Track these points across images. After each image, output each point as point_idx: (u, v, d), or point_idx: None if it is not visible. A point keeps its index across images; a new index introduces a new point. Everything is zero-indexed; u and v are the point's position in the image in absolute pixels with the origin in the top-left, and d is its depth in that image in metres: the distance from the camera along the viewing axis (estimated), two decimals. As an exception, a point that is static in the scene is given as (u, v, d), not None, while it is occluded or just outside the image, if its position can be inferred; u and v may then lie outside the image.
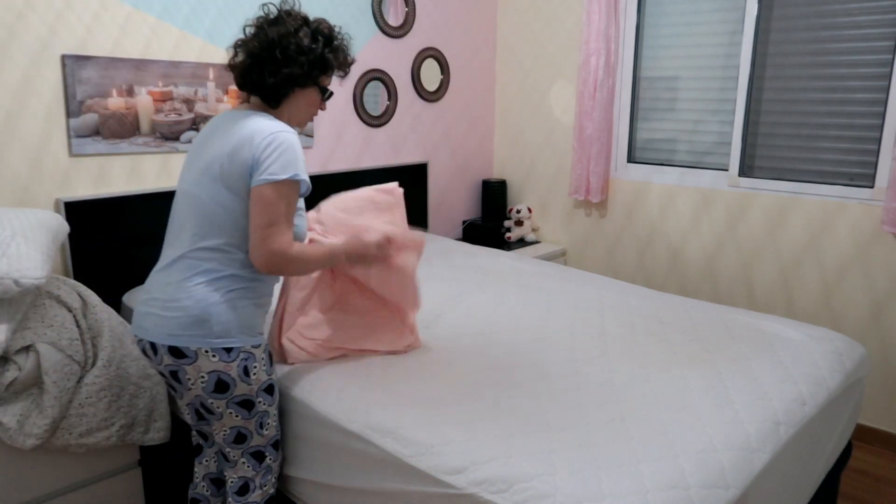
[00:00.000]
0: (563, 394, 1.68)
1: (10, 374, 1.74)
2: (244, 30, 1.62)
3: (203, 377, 1.54)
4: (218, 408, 1.58)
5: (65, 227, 1.99)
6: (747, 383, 1.75)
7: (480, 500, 1.34)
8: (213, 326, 1.52)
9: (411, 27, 3.41)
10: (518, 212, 3.76)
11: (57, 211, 2.32)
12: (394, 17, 3.33)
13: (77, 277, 2.36)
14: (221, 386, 1.55)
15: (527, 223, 3.77)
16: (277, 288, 2.16)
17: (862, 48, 2.70)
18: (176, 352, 1.52)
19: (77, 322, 1.87)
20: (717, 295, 3.21)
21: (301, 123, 1.69)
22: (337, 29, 1.67)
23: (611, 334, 2.07)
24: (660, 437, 1.48)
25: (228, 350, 1.54)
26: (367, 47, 3.24)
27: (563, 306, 2.32)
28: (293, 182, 1.51)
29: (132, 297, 2.39)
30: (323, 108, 1.72)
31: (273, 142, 1.50)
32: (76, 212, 2.33)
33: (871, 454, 2.77)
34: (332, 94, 1.70)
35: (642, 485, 1.31)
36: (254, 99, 1.65)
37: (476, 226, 3.82)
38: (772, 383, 1.75)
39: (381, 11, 3.25)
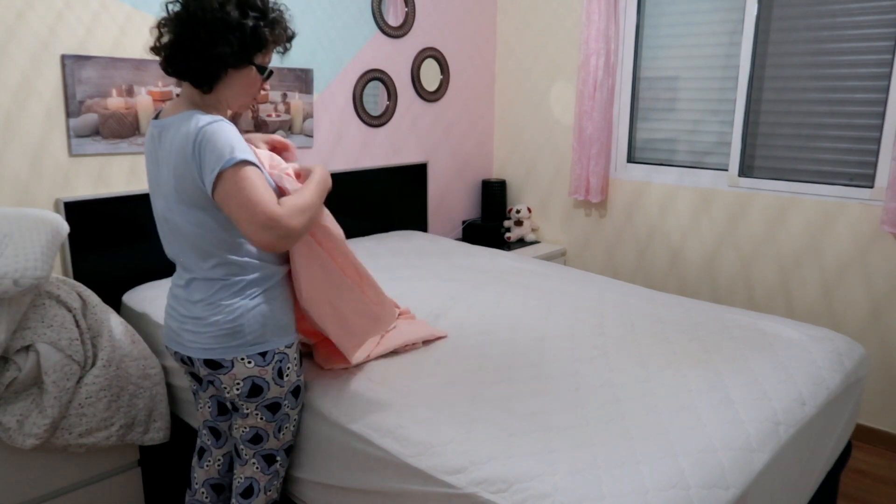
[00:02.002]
0: (562, 394, 1.68)
1: (10, 374, 1.75)
2: (167, 7, 1.45)
3: (238, 384, 1.54)
4: (246, 409, 1.58)
5: (65, 227, 1.99)
6: (747, 383, 1.75)
7: (480, 500, 1.34)
8: (246, 335, 1.51)
9: (411, 27, 3.41)
10: (518, 212, 3.76)
11: (57, 211, 2.32)
12: (393, 17, 3.33)
13: (77, 277, 2.36)
14: (255, 390, 1.55)
15: (526, 223, 3.77)
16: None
17: (862, 48, 2.70)
18: (212, 364, 1.53)
19: (77, 322, 1.87)
20: (716, 295, 3.21)
21: (241, 107, 1.55)
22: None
23: (611, 334, 2.07)
24: (659, 437, 1.48)
25: (263, 354, 1.54)
26: (367, 47, 3.24)
27: (563, 306, 2.32)
28: (237, 165, 1.38)
29: (132, 297, 2.38)
30: (265, 90, 1.57)
31: (202, 142, 1.38)
32: (76, 212, 2.33)
33: (870, 454, 2.77)
34: (271, 73, 1.55)
35: (642, 485, 1.31)
36: (184, 86, 1.50)
37: (476, 226, 3.82)
38: (771, 383, 1.75)
39: (380, 11, 3.25)
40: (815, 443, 1.79)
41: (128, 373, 1.93)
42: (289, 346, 1.60)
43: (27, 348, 1.77)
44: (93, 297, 1.97)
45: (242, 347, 1.52)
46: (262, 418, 1.60)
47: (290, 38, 1.55)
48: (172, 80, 2.54)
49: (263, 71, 1.52)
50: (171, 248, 1.57)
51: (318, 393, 1.71)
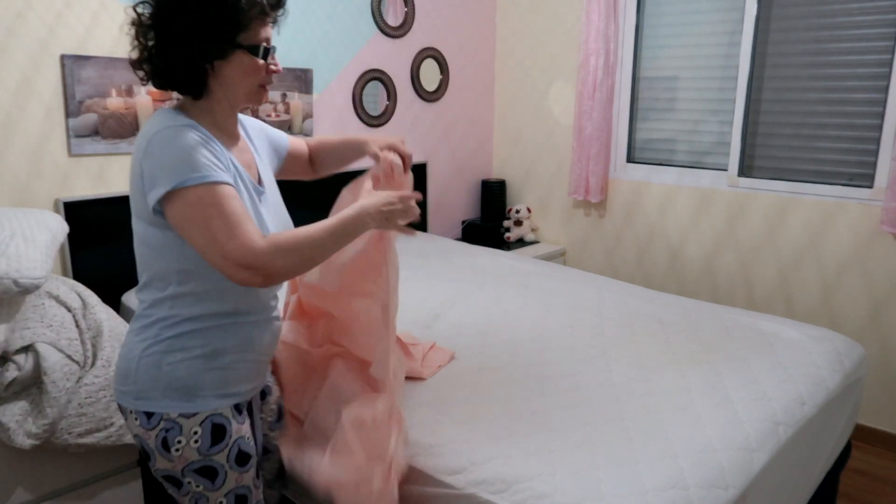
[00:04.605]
0: (562, 394, 1.68)
1: (10, 374, 1.74)
2: (131, 23, 1.25)
3: (136, 436, 1.30)
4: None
5: (64, 227, 1.98)
6: (746, 383, 1.75)
7: (480, 500, 1.34)
8: (133, 384, 1.26)
9: (410, 27, 3.41)
10: (517, 212, 3.76)
11: (56, 211, 2.32)
12: (393, 17, 3.33)
13: (76, 277, 2.36)
14: (144, 454, 1.30)
15: (526, 223, 3.77)
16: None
17: (861, 48, 2.70)
18: (119, 405, 1.32)
19: (76, 322, 1.87)
20: (716, 295, 3.21)
21: (249, 100, 1.31)
22: None
23: (610, 334, 2.07)
24: (659, 437, 1.48)
25: (149, 415, 1.25)
26: (367, 47, 3.24)
27: (562, 306, 2.31)
28: (199, 186, 1.15)
29: (131, 298, 2.39)
30: (275, 71, 1.31)
31: (148, 149, 1.17)
32: (76, 212, 2.33)
33: (870, 454, 2.77)
34: (270, 49, 1.29)
35: (641, 485, 1.31)
36: (175, 95, 1.30)
37: (475, 226, 3.82)
38: (771, 383, 1.75)
39: (380, 11, 3.25)
40: (815, 443, 1.79)
41: (127, 373, 1.93)
42: (186, 417, 1.25)
43: (27, 348, 1.77)
44: (92, 298, 1.96)
45: (128, 396, 1.27)
46: (169, 486, 1.31)
47: (277, 4, 1.28)
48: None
49: (257, 51, 1.26)
50: None
51: (317, 393, 1.71)
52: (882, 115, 2.67)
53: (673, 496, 1.29)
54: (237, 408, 1.32)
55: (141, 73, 1.27)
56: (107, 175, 2.45)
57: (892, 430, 2.79)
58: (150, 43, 1.23)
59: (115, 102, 2.41)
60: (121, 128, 2.44)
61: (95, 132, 2.38)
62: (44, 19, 2.23)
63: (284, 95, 2.92)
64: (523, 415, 1.57)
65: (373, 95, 3.33)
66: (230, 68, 1.25)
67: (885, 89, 2.65)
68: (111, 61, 2.38)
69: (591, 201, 3.51)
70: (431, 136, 3.66)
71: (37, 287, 1.71)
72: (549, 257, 3.61)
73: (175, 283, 1.24)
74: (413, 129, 3.55)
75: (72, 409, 1.81)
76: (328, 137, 1.68)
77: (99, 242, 2.40)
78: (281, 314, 1.45)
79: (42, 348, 1.76)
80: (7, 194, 2.23)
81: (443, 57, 3.60)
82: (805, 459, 1.75)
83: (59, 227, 1.95)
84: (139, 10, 1.23)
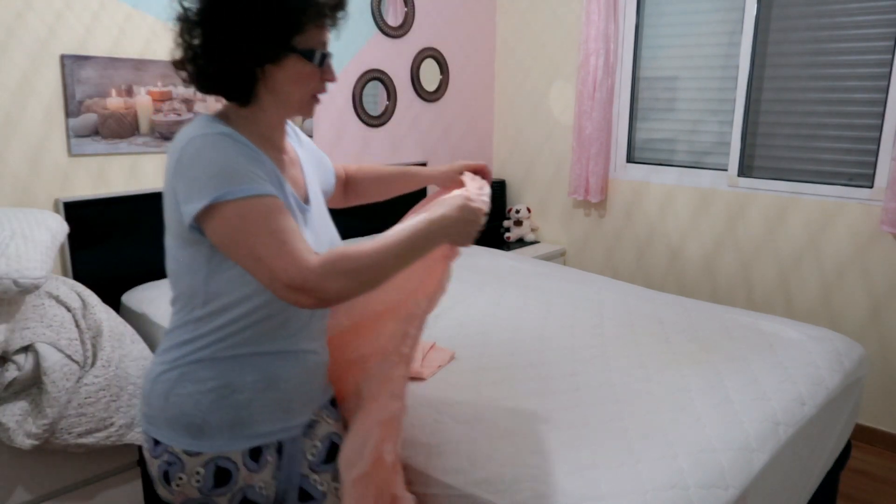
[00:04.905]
0: (562, 394, 1.68)
1: (10, 374, 1.74)
2: (177, 19, 1.13)
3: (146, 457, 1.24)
4: None
5: (64, 227, 1.99)
6: (746, 383, 1.75)
7: (480, 500, 1.33)
8: (147, 406, 1.20)
9: (410, 27, 3.41)
10: (517, 212, 3.76)
11: (56, 211, 2.32)
12: (393, 17, 3.33)
13: (76, 277, 2.36)
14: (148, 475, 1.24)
15: (526, 223, 3.77)
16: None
17: (861, 48, 2.70)
18: None
19: (76, 322, 1.87)
20: (716, 295, 3.21)
21: (301, 109, 1.20)
22: None
23: (610, 334, 2.07)
24: (659, 437, 1.48)
25: (156, 442, 1.18)
26: (367, 47, 3.24)
27: (562, 306, 2.32)
28: (241, 200, 1.04)
29: (131, 298, 2.39)
30: (329, 79, 1.20)
31: (181, 159, 1.07)
32: (75, 212, 2.32)
33: (870, 454, 2.77)
34: (325, 55, 1.17)
35: (641, 485, 1.31)
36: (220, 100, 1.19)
37: (475, 226, 3.81)
38: (771, 383, 1.75)
39: (380, 11, 3.25)
40: (815, 443, 1.79)
41: (127, 373, 1.93)
42: (190, 455, 1.15)
43: (27, 348, 1.77)
44: (92, 297, 1.97)
45: (144, 418, 1.21)
46: None
47: (337, 6, 1.16)
48: (172, 79, 2.53)
49: (312, 56, 1.14)
50: None
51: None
52: (882, 115, 2.67)
53: (673, 496, 1.29)
54: (254, 452, 1.18)
55: (183, 75, 1.15)
56: (107, 175, 2.45)
57: (892, 430, 2.79)
58: (196, 42, 1.11)
59: (115, 102, 2.41)
60: (121, 128, 2.44)
61: (95, 132, 2.38)
62: (44, 19, 2.23)
63: (284, 95, 2.92)
64: (523, 414, 1.57)
65: (373, 95, 3.33)
66: (282, 74, 1.13)
67: (885, 89, 2.65)
68: (111, 61, 2.38)
69: (591, 201, 3.51)
70: (431, 136, 3.66)
71: (37, 287, 1.71)
72: (549, 257, 3.61)
73: (200, 306, 1.15)
74: (413, 129, 3.55)
75: (71, 409, 1.81)
76: (375, 166, 1.59)
77: (99, 242, 2.40)
78: (323, 347, 1.31)
79: (42, 348, 1.76)
80: (7, 194, 2.23)
81: (443, 57, 3.60)
82: (805, 459, 1.75)
83: (59, 227, 1.95)
84: (185, 4, 1.12)
